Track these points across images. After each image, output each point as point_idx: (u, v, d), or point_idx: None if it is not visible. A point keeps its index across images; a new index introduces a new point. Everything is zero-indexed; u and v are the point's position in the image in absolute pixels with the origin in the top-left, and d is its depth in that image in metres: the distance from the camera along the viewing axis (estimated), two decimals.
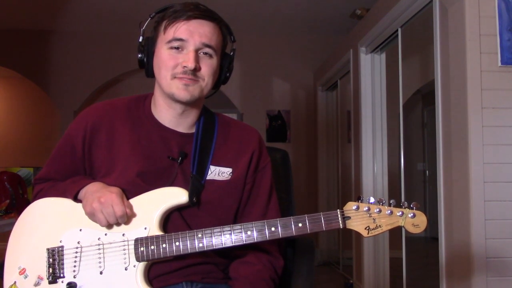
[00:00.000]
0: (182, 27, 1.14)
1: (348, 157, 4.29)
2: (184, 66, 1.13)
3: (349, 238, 4.16)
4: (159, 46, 1.18)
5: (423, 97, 6.64)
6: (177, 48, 1.15)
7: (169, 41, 1.15)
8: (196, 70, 1.15)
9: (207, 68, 1.17)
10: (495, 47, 2.13)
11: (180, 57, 1.15)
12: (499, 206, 2.11)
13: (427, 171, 6.54)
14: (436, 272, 2.48)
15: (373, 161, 3.69)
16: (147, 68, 1.23)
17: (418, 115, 6.79)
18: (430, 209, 6.06)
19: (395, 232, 3.74)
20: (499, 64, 2.13)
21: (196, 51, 1.15)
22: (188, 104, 1.20)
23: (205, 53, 1.16)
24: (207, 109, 1.31)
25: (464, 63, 2.16)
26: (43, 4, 4.54)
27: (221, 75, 1.25)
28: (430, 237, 6.28)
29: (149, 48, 1.21)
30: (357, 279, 3.88)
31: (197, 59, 1.14)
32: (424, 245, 6.19)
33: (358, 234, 1.10)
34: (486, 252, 2.08)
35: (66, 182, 1.22)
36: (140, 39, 1.22)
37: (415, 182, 6.49)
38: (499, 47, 2.13)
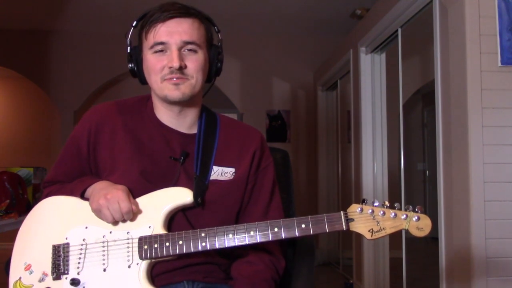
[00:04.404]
0: (160, 30, 1.15)
1: (348, 157, 4.29)
2: (170, 67, 1.15)
3: (349, 238, 4.16)
4: (145, 52, 1.20)
5: (423, 97, 6.64)
6: (160, 51, 1.16)
7: (152, 46, 1.17)
8: (182, 68, 1.16)
9: (193, 64, 1.17)
10: (495, 47, 2.13)
11: (165, 58, 1.16)
12: (499, 206, 2.10)
13: (427, 171, 6.54)
14: (436, 272, 2.48)
15: (373, 161, 3.69)
16: (139, 76, 1.25)
17: (418, 115, 6.79)
18: (430, 209, 6.06)
19: (395, 232, 3.73)
20: (499, 64, 2.13)
21: (179, 49, 1.16)
22: (183, 104, 1.21)
23: (189, 50, 1.17)
24: (208, 109, 1.32)
25: (464, 63, 2.16)
26: (43, 4, 4.54)
27: (212, 67, 1.26)
28: (430, 237, 6.28)
29: (137, 56, 1.23)
30: (357, 279, 3.88)
31: (181, 58, 1.15)
32: (424, 245, 6.18)
33: (361, 236, 1.10)
34: (486, 252, 2.08)
35: (73, 183, 1.24)
36: (128, 50, 1.24)
37: (415, 182, 6.48)
38: (499, 47, 2.13)
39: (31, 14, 4.80)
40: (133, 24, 1.23)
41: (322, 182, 5.16)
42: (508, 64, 2.12)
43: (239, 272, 1.20)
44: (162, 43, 1.15)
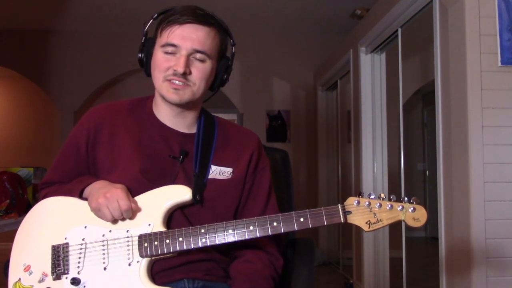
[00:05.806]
0: (175, 32, 1.17)
1: (348, 157, 4.29)
2: (175, 70, 1.16)
3: (349, 238, 4.16)
4: (156, 48, 1.21)
5: (423, 97, 6.64)
6: (171, 52, 1.18)
7: (163, 45, 1.18)
8: (186, 74, 1.17)
9: (198, 72, 1.19)
10: (495, 47, 2.13)
11: (173, 60, 1.17)
12: (499, 206, 2.10)
13: (427, 171, 6.54)
14: (436, 272, 2.48)
15: (373, 161, 3.69)
16: (145, 68, 1.26)
17: (418, 115, 6.79)
18: (430, 209, 6.05)
19: (395, 232, 3.74)
20: (499, 64, 2.13)
21: (188, 56, 1.17)
22: (182, 106, 1.23)
23: (198, 58, 1.18)
24: (207, 111, 1.34)
25: (464, 63, 2.16)
26: (43, 4, 4.54)
27: (217, 78, 1.27)
28: (430, 237, 6.29)
29: (148, 48, 1.24)
30: (357, 279, 3.88)
31: (187, 64, 1.16)
32: (424, 245, 6.18)
33: (359, 229, 1.11)
34: (486, 252, 2.08)
35: (71, 183, 1.24)
36: (143, 39, 1.25)
37: (415, 182, 6.49)
38: (499, 47, 2.13)
39: (31, 14, 4.80)
40: (154, 16, 1.25)
41: (322, 182, 5.16)
42: (508, 64, 2.12)
43: (237, 271, 1.21)
44: (174, 45, 1.16)
